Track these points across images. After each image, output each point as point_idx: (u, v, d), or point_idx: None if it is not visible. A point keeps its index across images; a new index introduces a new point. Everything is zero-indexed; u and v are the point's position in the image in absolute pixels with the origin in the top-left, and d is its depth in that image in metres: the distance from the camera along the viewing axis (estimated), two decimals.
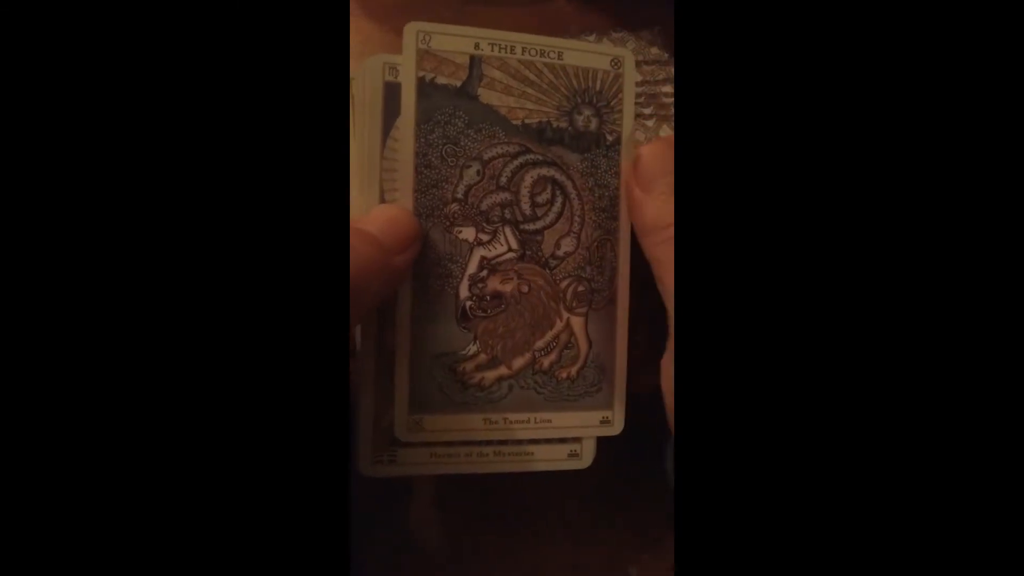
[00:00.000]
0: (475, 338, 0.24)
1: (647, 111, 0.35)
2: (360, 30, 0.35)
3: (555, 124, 0.24)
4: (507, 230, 0.24)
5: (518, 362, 0.25)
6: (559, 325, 0.25)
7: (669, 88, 0.35)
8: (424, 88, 0.23)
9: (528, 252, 0.24)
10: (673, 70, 0.35)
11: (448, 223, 0.23)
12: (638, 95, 0.35)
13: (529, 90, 0.24)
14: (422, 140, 0.23)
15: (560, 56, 0.24)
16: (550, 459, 0.25)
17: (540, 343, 0.25)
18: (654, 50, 0.36)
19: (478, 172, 0.23)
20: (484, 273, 0.24)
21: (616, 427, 0.26)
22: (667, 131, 0.35)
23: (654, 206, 0.23)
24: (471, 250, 0.24)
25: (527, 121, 0.24)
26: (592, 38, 0.36)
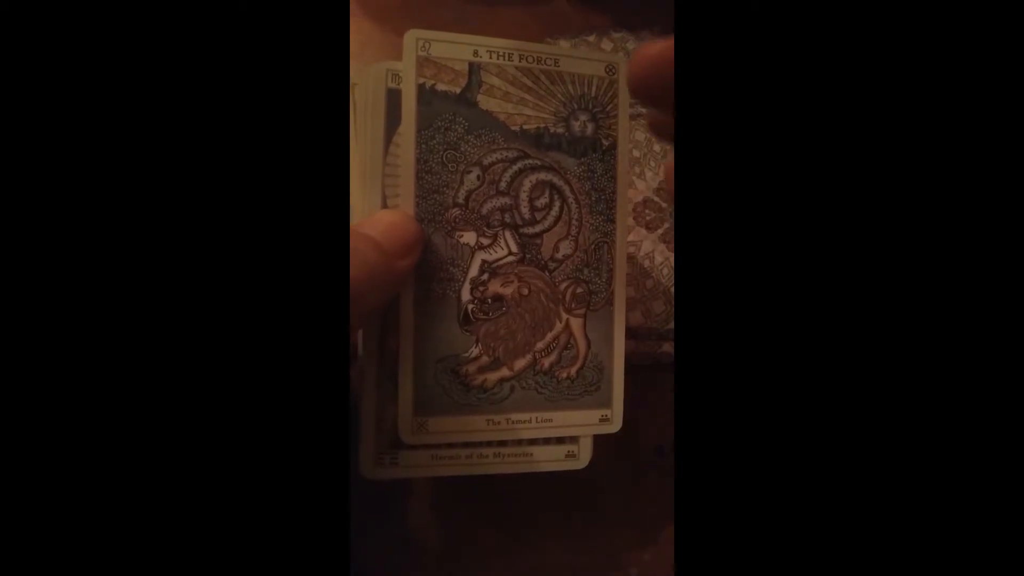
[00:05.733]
0: (477, 340, 0.24)
1: (647, 111, 0.35)
2: (361, 31, 0.36)
3: (552, 130, 0.25)
4: (507, 234, 0.24)
5: (519, 363, 0.25)
6: (559, 326, 0.25)
7: None
8: (424, 95, 0.23)
9: (528, 255, 0.25)
10: None
11: (449, 227, 0.24)
12: None
13: (527, 96, 0.24)
14: (423, 146, 0.23)
15: (556, 63, 0.24)
16: (548, 460, 0.26)
17: (540, 344, 0.25)
18: None
19: (478, 177, 0.24)
20: (485, 276, 0.24)
21: (615, 424, 0.26)
22: None
23: None
24: (472, 254, 0.24)
25: (525, 127, 0.24)
26: (592, 38, 0.36)
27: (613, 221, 0.25)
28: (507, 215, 0.24)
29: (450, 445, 0.25)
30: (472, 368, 0.24)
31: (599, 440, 0.27)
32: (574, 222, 0.25)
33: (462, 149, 0.24)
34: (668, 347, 0.33)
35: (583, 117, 0.25)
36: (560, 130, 0.25)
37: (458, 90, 0.24)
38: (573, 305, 0.25)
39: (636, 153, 0.35)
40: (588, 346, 0.26)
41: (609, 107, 0.25)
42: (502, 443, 0.25)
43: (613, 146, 0.25)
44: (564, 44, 0.36)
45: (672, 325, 0.33)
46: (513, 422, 0.25)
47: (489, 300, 0.24)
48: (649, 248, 0.33)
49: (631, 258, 0.33)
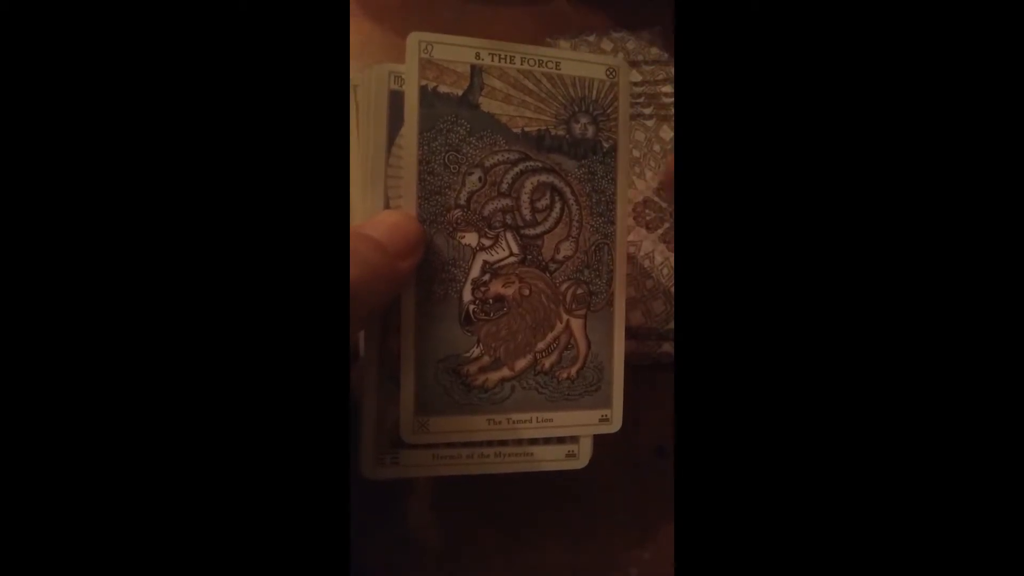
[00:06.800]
0: (478, 341, 0.25)
1: (647, 111, 0.35)
2: (360, 31, 0.36)
3: (553, 132, 0.25)
4: (508, 235, 0.24)
5: (520, 363, 0.25)
6: (559, 327, 0.25)
7: (669, 88, 0.35)
8: (426, 97, 0.23)
9: (529, 256, 0.25)
10: (673, 70, 0.36)
11: (451, 229, 0.24)
12: (638, 95, 0.35)
13: (528, 99, 0.24)
14: (425, 148, 0.23)
15: (558, 66, 0.25)
16: (548, 459, 0.26)
17: (541, 345, 0.25)
18: (654, 50, 0.36)
19: (480, 179, 0.24)
20: (486, 277, 0.24)
21: (615, 424, 0.26)
22: (667, 131, 0.35)
23: None
24: (473, 255, 0.24)
25: (527, 129, 0.24)
26: (592, 38, 0.36)
27: (613, 223, 0.26)
28: (508, 216, 0.24)
29: (451, 445, 0.25)
30: (473, 368, 0.25)
31: (599, 440, 0.27)
32: (575, 223, 0.25)
33: (464, 151, 0.24)
34: (668, 347, 0.33)
35: (584, 119, 0.25)
36: (561, 132, 0.25)
37: (460, 92, 0.24)
38: (573, 306, 0.25)
39: (636, 153, 0.35)
40: (588, 347, 0.26)
41: (610, 110, 0.25)
42: (503, 443, 0.26)
43: (613, 148, 0.25)
44: (564, 44, 0.36)
45: (672, 325, 0.33)
46: (514, 422, 0.25)
47: (490, 301, 0.24)
48: (649, 248, 0.34)
49: (631, 258, 0.33)
